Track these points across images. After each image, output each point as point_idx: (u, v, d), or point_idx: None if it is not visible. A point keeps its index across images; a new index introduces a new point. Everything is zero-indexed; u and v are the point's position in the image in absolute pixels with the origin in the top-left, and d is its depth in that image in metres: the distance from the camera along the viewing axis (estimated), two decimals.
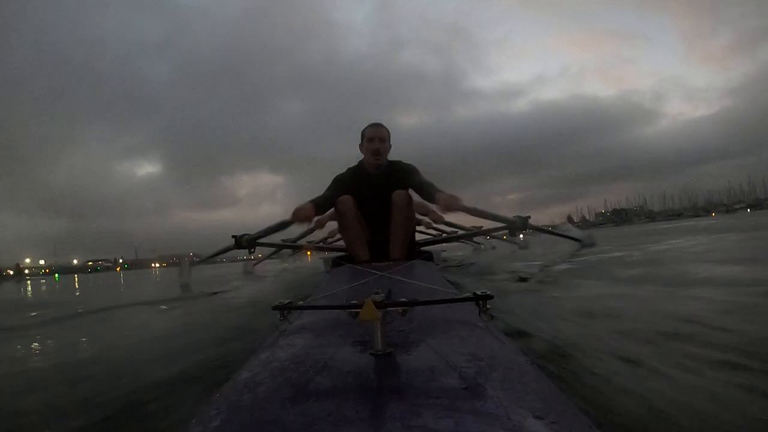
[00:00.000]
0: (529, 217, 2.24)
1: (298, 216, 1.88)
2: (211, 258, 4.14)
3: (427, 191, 1.93)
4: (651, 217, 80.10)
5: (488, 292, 0.58)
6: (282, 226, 2.17)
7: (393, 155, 2.21)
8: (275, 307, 0.63)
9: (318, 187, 2.15)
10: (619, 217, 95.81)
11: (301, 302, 0.66)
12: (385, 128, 2.14)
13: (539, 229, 2.62)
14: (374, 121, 2.16)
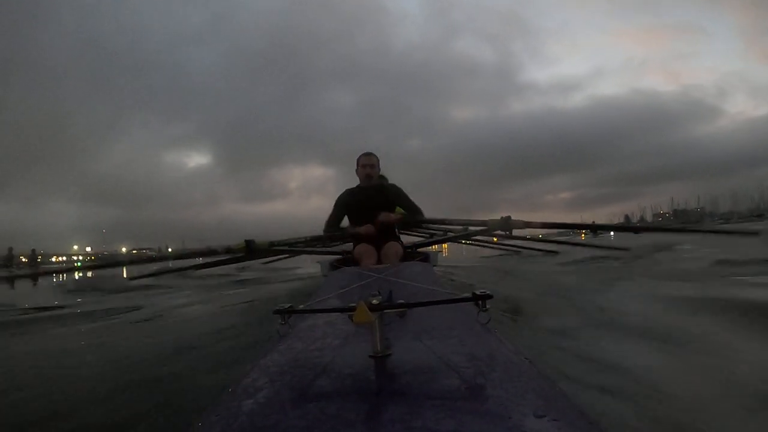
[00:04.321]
0: (509, 216, 2.34)
1: (367, 232, 2.41)
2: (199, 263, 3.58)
3: (406, 209, 2.63)
4: (726, 218, 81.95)
5: (487, 292, 0.59)
6: (312, 242, 2.84)
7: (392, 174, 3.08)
8: (276, 311, 0.64)
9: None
10: (683, 217, 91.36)
11: (302, 306, 0.66)
12: (375, 156, 2.66)
13: (525, 224, 2.55)
14: (366, 151, 2.68)
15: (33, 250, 18.57)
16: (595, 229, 3.92)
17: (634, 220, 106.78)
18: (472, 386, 0.46)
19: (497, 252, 6.47)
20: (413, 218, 2.64)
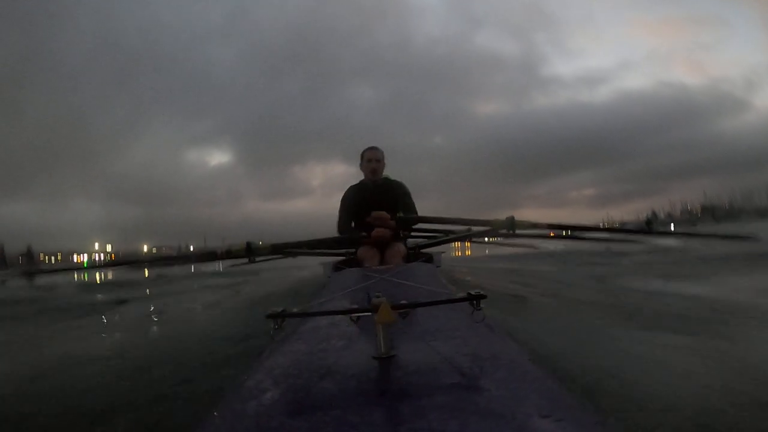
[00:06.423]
0: (512, 216, 2.27)
1: (379, 235, 2.29)
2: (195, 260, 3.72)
3: (403, 208, 2.44)
4: (762, 213, 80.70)
5: (481, 292, 0.60)
6: (323, 243, 2.67)
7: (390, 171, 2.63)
8: (269, 316, 0.59)
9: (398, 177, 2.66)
10: (710, 214, 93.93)
11: (295, 309, 0.64)
12: (380, 150, 2.59)
13: (531, 225, 2.46)
14: (371, 145, 2.60)
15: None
16: (601, 231, 3.52)
17: (662, 216, 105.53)
18: (476, 387, 0.46)
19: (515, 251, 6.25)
20: (411, 218, 2.54)
